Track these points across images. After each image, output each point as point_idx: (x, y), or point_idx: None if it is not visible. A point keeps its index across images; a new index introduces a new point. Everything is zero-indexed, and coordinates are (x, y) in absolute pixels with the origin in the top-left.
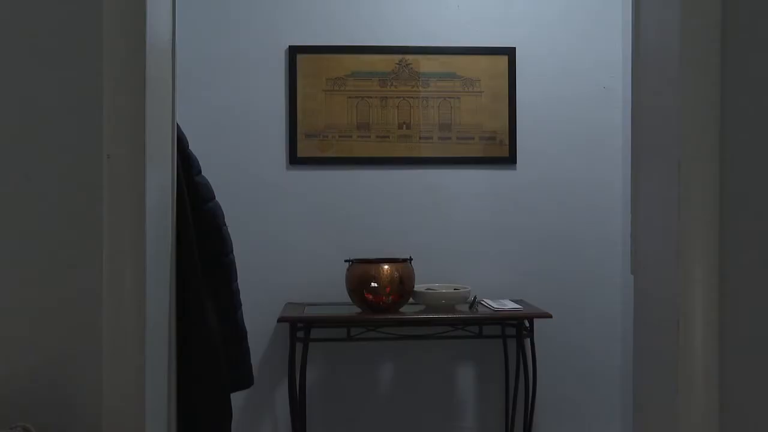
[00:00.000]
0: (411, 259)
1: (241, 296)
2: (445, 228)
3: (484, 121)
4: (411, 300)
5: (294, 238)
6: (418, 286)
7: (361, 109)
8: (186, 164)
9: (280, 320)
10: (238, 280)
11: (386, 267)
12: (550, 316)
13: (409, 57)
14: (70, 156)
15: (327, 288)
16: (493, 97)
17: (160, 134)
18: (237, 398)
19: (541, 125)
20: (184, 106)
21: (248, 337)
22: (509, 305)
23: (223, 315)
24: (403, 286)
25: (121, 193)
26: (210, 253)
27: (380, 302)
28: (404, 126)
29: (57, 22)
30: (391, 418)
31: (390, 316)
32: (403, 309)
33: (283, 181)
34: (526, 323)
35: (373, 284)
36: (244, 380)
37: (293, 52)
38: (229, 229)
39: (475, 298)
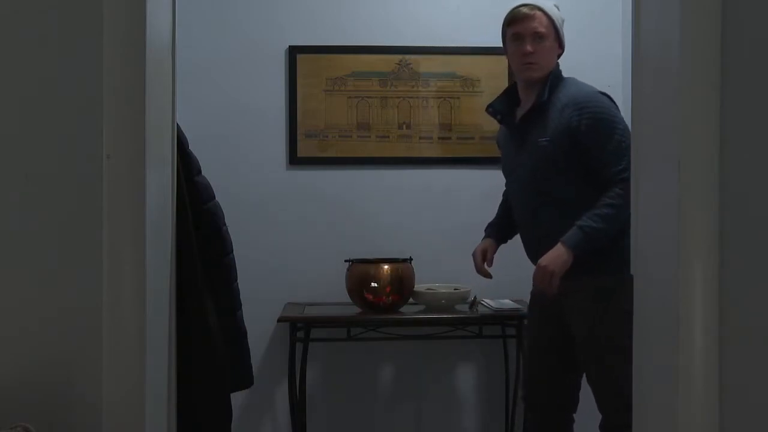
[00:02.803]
0: (411, 259)
1: (241, 296)
2: (445, 228)
3: (484, 121)
4: (411, 300)
5: (294, 238)
6: (418, 286)
7: (361, 109)
8: (186, 164)
9: (280, 320)
10: (238, 280)
11: (386, 267)
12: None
13: (409, 57)
14: (70, 156)
15: (327, 288)
16: (493, 97)
17: (160, 134)
18: (237, 398)
19: None
20: (184, 106)
21: (248, 337)
22: (509, 305)
23: (223, 315)
24: (403, 286)
25: (121, 193)
26: (210, 253)
27: (380, 302)
28: (404, 126)
29: (57, 22)
30: (391, 418)
31: (390, 316)
32: (403, 309)
33: (283, 181)
34: (526, 323)
35: (373, 284)
36: (244, 380)
37: (293, 52)
38: (229, 229)
39: (475, 298)
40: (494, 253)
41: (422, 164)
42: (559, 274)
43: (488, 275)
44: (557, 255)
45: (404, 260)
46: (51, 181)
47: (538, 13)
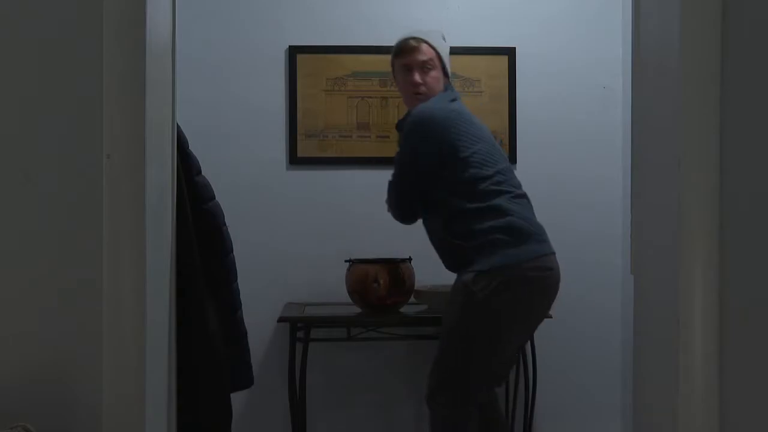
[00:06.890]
0: (411, 259)
1: (241, 296)
2: None
3: (484, 121)
4: (411, 300)
5: (294, 238)
6: (419, 286)
7: (361, 109)
8: (186, 164)
9: (280, 320)
10: (238, 280)
11: (386, 267)
12: (550, 317)
13: None
14: (70, 156)
15: (327, 288)
16: (493, 97)
17: (160, 134)
18: (237, 398)
19: (541, 125)
20: (184, 106)
21: (248, 337)
22: None
23: (223, 315)
24: (403, 286)
25: (121, 193)
26: (210, 253)
27: (380, 302)
28: None
29: (57, 22)
30: (391, 418)
31: (390, 316)
32: (403, 309)
33: (283, 181)
34: None
35: (373, 284)
36: (244, 380)
37: (293, 52)
38: (229, 229)
39: None
40: None
41: None
42: None
43: None
44: None
45: (404, 260)
46: (51, 181)
47: (424, 45)
